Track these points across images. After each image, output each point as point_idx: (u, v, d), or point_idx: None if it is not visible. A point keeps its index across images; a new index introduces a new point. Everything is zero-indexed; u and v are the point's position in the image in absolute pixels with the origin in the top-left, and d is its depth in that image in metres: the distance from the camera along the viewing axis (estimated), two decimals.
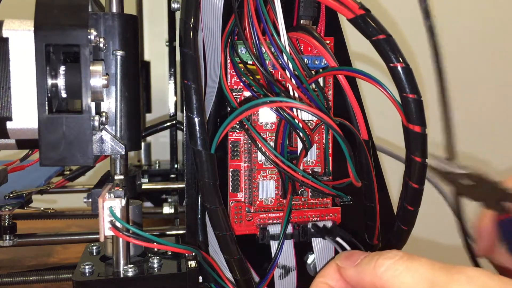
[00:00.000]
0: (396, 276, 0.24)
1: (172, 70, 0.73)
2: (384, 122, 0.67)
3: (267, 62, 0.34)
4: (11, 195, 0.48)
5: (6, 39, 0.28)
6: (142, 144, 0.79)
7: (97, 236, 0.37)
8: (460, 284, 0.22)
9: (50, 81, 0.28)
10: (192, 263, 0.35)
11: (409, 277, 0.24)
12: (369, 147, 0.34)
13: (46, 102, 0.27)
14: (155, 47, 0.86)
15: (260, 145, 0.34)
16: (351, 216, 0.38)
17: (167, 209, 0.67)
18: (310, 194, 0.37)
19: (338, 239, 0.35)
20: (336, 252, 0.36)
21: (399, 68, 0.28)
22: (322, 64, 0.36)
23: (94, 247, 0.38)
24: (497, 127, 1.01)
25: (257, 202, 0.36)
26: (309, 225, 0.36)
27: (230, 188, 0.36)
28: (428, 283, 0.23)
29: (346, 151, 0.32)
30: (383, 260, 0.25)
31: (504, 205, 0.36)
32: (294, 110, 0.32)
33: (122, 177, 0.33)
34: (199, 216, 0.36)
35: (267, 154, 0.34)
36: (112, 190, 0.31)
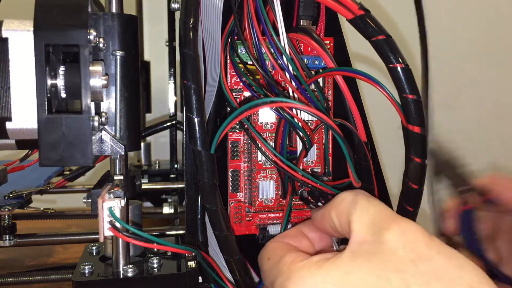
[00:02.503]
0: (349, 207, 0.27)
1: (172, 70, 0.73)
2: (383, 122, 0.67)
3: (267, 62, 0.34)
4: (11, 195, 0.48)
5: (6, 39, 0.28)
6: (142, 144, 0.79)
7: (97, 236, 0.37)
8: (393, 233, 0.24)
9: (49, 81, 0.28)
10: (191, 263, 0.35)
11: (358, 210, 0.26)
12: (368, 148, 0.34)
13: (46, 102, 0.27)
14: (155, 47, 0.86)
15: (260, 145, 0.34)
16: None
17: (167, 209, 0.67)
18: None
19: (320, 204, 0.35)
20: None
21: (399, 69, 0.28)
22: (322, 64, 0.36)
23: (94, 247, 0.38)
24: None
25: (257, 202, 0.36)
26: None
27: (230, 188, 0.36)
28: (370, 221, 0.26)
29: (346, 151, 0.32)
30: (343, 193, 0.28)
31: (465, 197, 0.35)
32: (294, 109, 0.32)
33: (121, 177, 0.33)
34: (198, 216, 0.36)
35: (267, 153, 0.34)
36: (112, 190, 0.31)
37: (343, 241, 0.31)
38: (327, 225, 0.29)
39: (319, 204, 0.34)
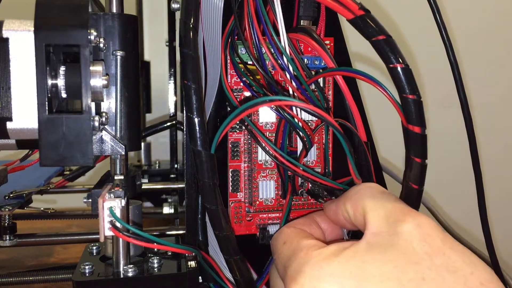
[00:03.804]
0: (364, 199, 0.27)
1: (172, 70, 0.73)
2: (384, 123, 0.67)
3: (267, 62, 0.34)
4: (11, 195, 0.48)
5: (6, 39, 0.28)
6: (142, 144, 0.79)
7: (97, 236, 0.37)
8: (408, 225, 0.25)
9: (50, 81, 0.28)
10: (192, 263, 0.35)
11: (373, 202, 0.27)
12: (368, 148, 0.34)
13: (46, 102, 0.27)
14: (155, 47, 0.86)
15: (260, 140, 0.34)
16: None
17: (167, 209, 0.67)
18: None
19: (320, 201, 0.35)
20: None
21: (399, 69, 0.28)
22: (322, 64, 0.36)
23: (94, 247, 0.38)
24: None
25: (257, 202, 0.36)
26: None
27: (230, 188, 0.36)
28: (385, 213, 0.26)
29: (346, 147, 0.32)
30: (358, 186, 0.29)
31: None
32: (294, 109, 0.32)
33: (122, 177, 0.33)
34: (199, 216, 0.36)
35: (267, 149, 0.34)
36: (112, 190, 0.31)
37: (354, 235, 0.31)
38: (341, 216, 0.29)
39: (320, 201, 0.34)
